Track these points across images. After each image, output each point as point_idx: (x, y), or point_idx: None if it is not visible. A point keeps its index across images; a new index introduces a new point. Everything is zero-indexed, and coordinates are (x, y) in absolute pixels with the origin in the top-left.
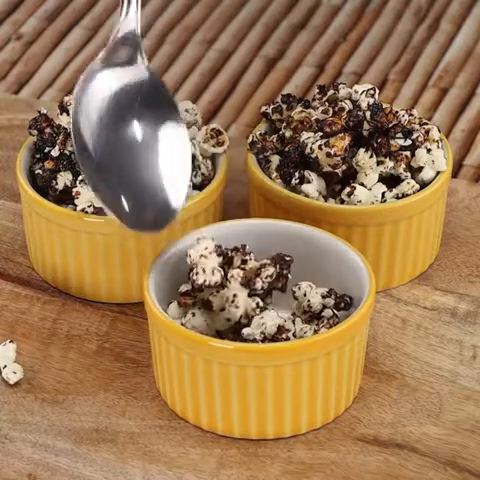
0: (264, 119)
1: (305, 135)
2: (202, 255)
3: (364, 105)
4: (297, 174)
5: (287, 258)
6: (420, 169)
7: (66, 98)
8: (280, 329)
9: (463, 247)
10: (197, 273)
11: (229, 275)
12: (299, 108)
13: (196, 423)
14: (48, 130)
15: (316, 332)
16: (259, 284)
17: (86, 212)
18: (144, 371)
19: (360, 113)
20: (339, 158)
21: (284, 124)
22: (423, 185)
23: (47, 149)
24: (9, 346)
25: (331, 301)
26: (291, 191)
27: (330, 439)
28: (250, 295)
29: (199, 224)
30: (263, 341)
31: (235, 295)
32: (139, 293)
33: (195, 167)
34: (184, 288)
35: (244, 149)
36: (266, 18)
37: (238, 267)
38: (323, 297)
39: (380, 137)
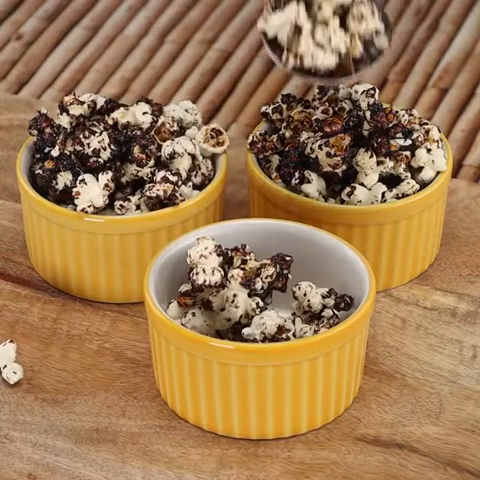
0: (264, 119)
1: (305, 135)
2: (202, 255)
3: (364, 105)
4: (297, 174)
5: (287, 258)
6: (420, 169)
7: (66, 98)
8: (280, 329)
9: (463, 247)
10: (197, 273)
11: (229, 275)
12: (299, 108)
13: (196, 423)
14: (48, 130)
15: (316, 332)
16: (259, 284)
17: (86, 212)
18: (144, 371)
19: (360, 113)
20: (339, 158)
21: (284, 124)
22: (423, 185)
23: (47, 149)
24: (9, 346)
25: (331, 301)
26: (291, 191)
27: (330, 439)
28: (250, 295)
29: (199, 224)
30: (263, 341)
31: (235, 295)
32: (139, 293)
33: (195, 167)
34: (184, 288)
35: (244, 149)
36: None
37: (238, 267)
38: (323, 297)
39: (380, 137)
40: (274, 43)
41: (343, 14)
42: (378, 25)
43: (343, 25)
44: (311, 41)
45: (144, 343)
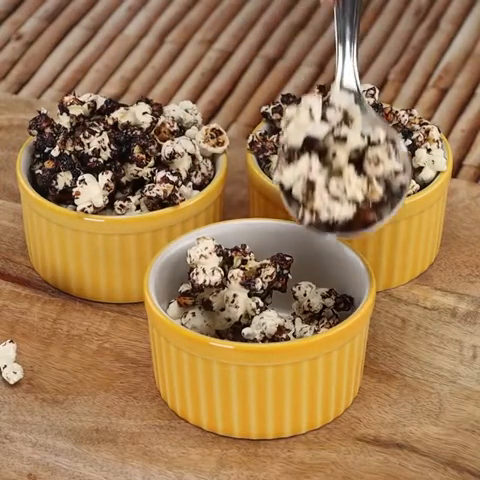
0: (264, 119)
1: None
2: (202, 255)
3: None
4: None
5: (287, 258)
6: (420, 169)
7: (66, 98)
8: (280, 329)
9: (463, 247)
10: (197, 273)
11: (229, 275)
12: None
13: (196, 423)
14: (48, 130)
15: (316, 332)
16: (259, 284)
17: (86, 212)
18: (144, 371)
19: None
20: None
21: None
22: (423, 185)
23: (47, 149)
24: (9, 346)
25: (331, 301)
26: None
27: (330, 439)
28: (250, 295)
29: (199, 224)
30: (263, 341)
31: (235, 295)
32: (139, 293)
33: (195, 167)
34: (184, 288)
35: (244, 149)
36: (266, 18)
37: (238, 267)
38: (323, 297)
39: None
40: (290, 195)
41: (359, 158)
42: (396, 166)
43: (359, 168)
44: (326, 195)
45: (144, 343)
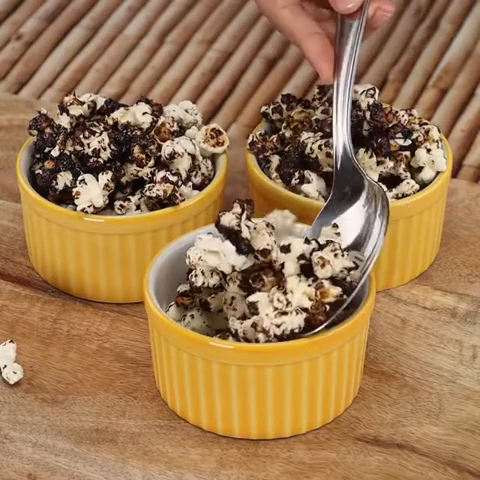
0: (264, 119)
1: (305, 135)
2: (201, 257)
3: (364, 105)
4: (297, 174)
5: None
6: (420, 169)
7: (66, 98)
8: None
9: (463, 247)
10: (196, 275)
11: (228, 277)
12: (299, 108)
13: (196, 423)
14: (48, 130)
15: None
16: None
17: (86, 212)
18: (144, 371)
19: (360, 113)
20: None
21: (284, 124)
22: (423, 185)
23: (47, 149)
24: (9, 346)
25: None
26: (291, 191)
27: (330, 439)
28: None
29: (199, 224)
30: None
31: (233, 297)
32: (139, 293)
33: (195, 167)
34: (182, 288)
35: (244, 149)
36: (266, 18)
37: None
38: None
39: (380, 137)
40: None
41: (309, 262)
42: (346, 264)
43: (311, 271)
44: (272, 311)
45: (144, 343)
